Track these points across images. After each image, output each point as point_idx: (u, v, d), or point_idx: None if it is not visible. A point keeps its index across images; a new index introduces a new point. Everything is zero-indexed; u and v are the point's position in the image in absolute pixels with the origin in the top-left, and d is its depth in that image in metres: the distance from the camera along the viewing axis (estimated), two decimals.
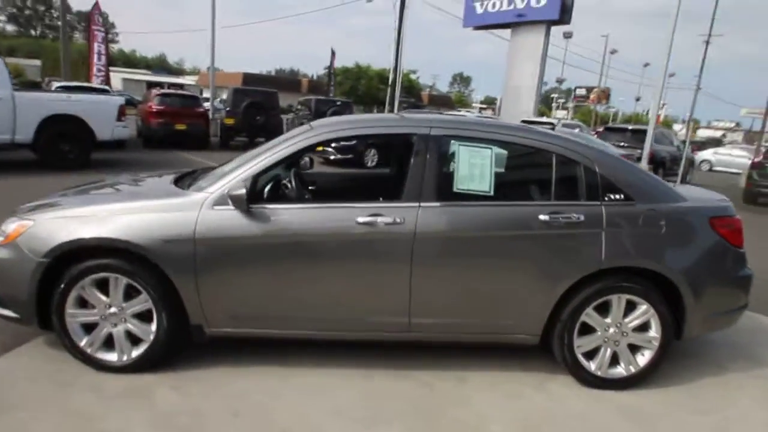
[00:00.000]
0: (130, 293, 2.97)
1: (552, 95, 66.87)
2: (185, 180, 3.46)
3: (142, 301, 2.96)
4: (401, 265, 2.91)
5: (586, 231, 2.98)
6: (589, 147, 3.17)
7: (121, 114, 10.20)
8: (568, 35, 40.99)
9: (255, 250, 2.87)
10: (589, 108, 53.91)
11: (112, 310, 2.99)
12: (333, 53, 32.49)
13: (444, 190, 2.99)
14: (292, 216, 2.92)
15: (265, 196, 3.14)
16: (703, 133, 58.43)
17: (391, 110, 22.74)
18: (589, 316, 3.10)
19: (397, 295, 2.96)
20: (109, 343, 3.04)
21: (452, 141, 3.04)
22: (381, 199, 3.07)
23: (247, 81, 41.89)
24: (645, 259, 3.02)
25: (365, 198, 3.04)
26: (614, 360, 3.19)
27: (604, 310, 3.12)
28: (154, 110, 14.48)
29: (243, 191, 2.81)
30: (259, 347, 3.37)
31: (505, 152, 3.16)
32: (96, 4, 19.91)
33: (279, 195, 3.33)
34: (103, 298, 2.97)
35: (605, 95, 49.80)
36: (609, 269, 3.00)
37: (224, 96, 21.56)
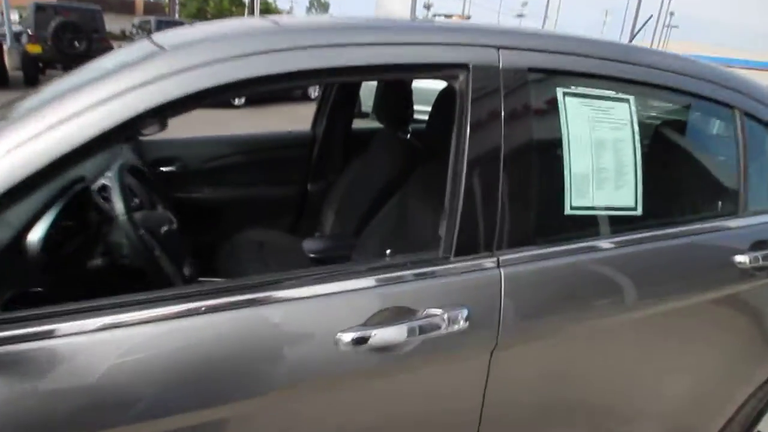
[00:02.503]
0: None
1: None
2: None
3: None
4: None
5: None
6: None
7: None
8: None
9: None
10: None
11: None
12: None
13: (543, 214, 1.19)
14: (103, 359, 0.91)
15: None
16: None
17: None
18: None
19: None
20: None
21: (554, 84, 1.21)
22: (388, 252, 1.19)
23: None
24: None
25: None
26: None
27: None
28: None
29: None
30: None
31: (652, 109, 1.43)
32: None
33: (70, 260, 1.31)
34: None
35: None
36: None
37: (23, 14, 16.44)
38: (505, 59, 1.15)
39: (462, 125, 1.10)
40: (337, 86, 2.60)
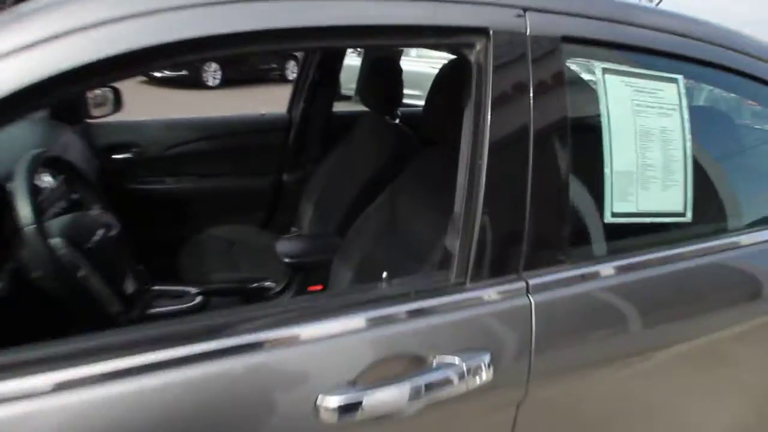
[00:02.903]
0: None
1: None
2: None
3: None
4: None
5: None
6: None
7: None
8: None
9: None
10: None
11: None
12: None
13: (580, 222, 0.95)
14: None
15: None
16: None
17: None
18: None
19: None
20: None
21: (593, 58, 0.95)
22: (384, 275, 0.89)
23: None
24: None
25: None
26: None
27: None
28: None
29: None
30: None
31: (701, 92, 1.19)
32: None
33: None
34: None
35: None
36: None
37: None
38: (533, 24, 0.89)
39: (480, 109, 0.85)
40: (317, 63, 2.31)
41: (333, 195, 2.05)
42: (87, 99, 2.21)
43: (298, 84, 2.39)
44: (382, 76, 2.00)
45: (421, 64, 8.21)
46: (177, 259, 1.98)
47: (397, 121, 2.11)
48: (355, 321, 0.76)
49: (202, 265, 1.93)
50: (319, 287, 1.68)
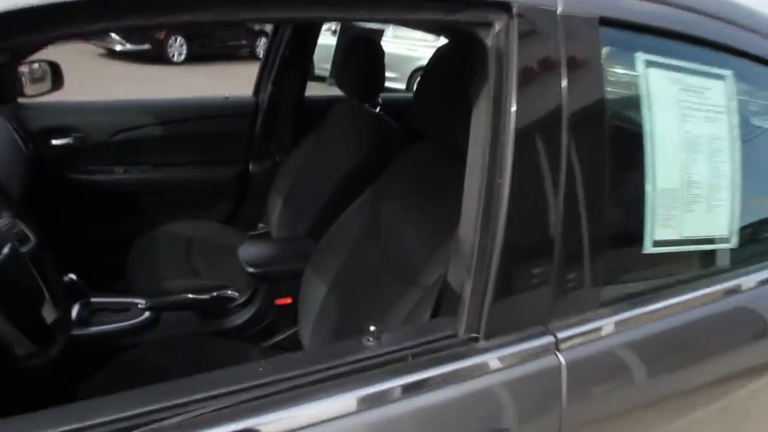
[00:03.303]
0: None
1: None
2: None
3: None
4: None
5: None
6: None
7: None
8: None
9: None
10: None
11: None
12: None
13: (617, 254, 0.76)
14: None
15: None
16: None
17: None
18: None
19: None
20: None
21: (635, 47, 0.76)
22: (372, 329, 0.66)
23: None
24: None
25: None
26: None
27: None
28: None
29: None
30: None
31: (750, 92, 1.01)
32: None
33: None
34: None
35: None
36: None
37: None
38: (566, 2, 0.69)
39: (499, 105, 0.65)
40: (287, 39, 2.06)
41: (305, 191, 1.83)
42: (19, 74, 1.92)
43: (266, 63, 2.14)
44: (362, 57, 1.77)
45: (398, 45, 7.97)
46: (125, 261, 1.73)
47: (378, 109, 1.89)
48: (333, 404, 0.56)
49: (155, 268, 1.69)
50: (287, 300, 1.48)
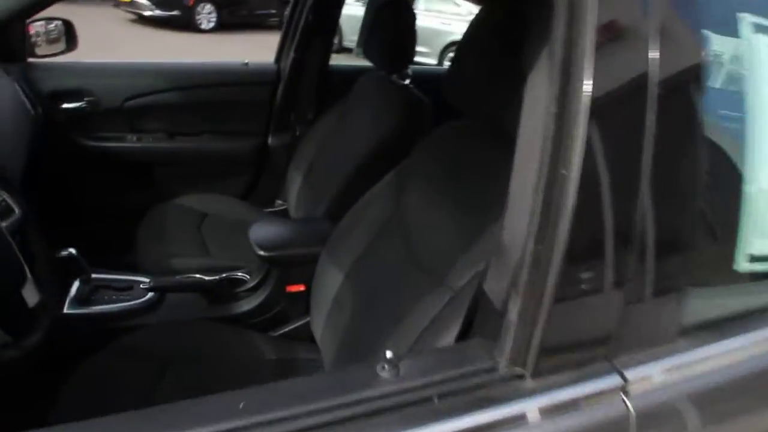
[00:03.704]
0: None
1: None
2: None
3: None
4: None
5: None
6: None
7: None
8: None
9: None
10: None
11: None
12: None
13: (703, 269, 0.61)
14: None
15: None
16: None
17: None
18: None
19: None
20: None
21: (737, 5, 0.60)
22: (389, 355, 0.52)
23: None
24: None
25: None
26: None
27: None
28: None
29: None
30: None
31: None
32: None
33: None
34: None
35: None
36: None
37: None
38: None
39: (569, 71, 0.49)
40: (311, 3, 1.90)
41: (326, 167, 1.71)
42: (31, 33, 1.82)
43: (288, 28, 1.99)
44: (391, 21, 1.61)
45: (430, 19, 7.66)
46: (133, 234, 1.65)
47: (407, 82, 1.74)
48: None
49: (164, 244, 1.60)
50: (300, 287, 1.36)
